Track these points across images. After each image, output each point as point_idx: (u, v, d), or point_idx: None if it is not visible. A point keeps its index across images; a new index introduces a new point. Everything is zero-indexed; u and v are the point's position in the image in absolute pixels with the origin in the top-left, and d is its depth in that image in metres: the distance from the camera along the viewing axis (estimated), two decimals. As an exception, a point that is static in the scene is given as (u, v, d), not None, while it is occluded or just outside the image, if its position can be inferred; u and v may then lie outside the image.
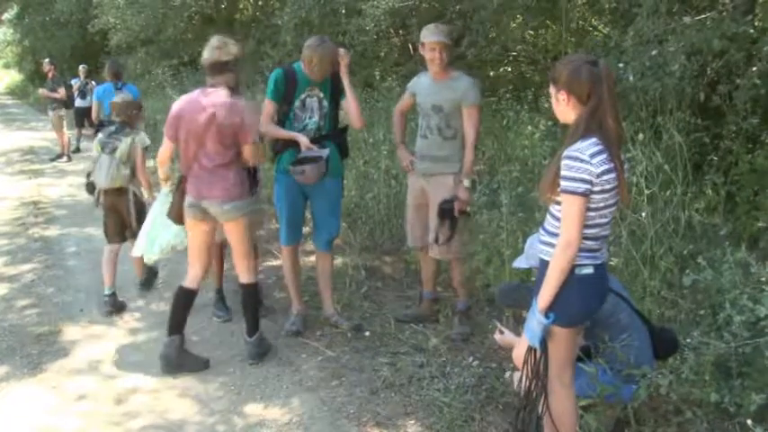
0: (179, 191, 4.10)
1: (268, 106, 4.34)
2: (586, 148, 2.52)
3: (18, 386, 3.98)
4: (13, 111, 23.16)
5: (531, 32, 9.43)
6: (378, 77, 9.50)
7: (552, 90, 2.71)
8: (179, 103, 4.00)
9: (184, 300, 4.14)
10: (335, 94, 4.38)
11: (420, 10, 8.66)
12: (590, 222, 2.59)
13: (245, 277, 4.17)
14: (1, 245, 6.79)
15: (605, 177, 2.53)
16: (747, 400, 2.94)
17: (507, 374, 3.72)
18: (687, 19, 4.72)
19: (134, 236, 4.96)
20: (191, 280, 4.14)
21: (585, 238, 2.60)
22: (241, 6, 15.27)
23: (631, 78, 4.82)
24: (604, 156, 2.53)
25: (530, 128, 6.31)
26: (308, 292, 5.06)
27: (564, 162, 2.54)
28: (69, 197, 9.18)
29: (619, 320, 3.19)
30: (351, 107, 4.37)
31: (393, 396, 3.77)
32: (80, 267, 6.13)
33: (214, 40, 3.95)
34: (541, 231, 2.77)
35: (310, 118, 4.33)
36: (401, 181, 6.62)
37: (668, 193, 4.50)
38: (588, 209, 2.56)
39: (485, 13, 7.10)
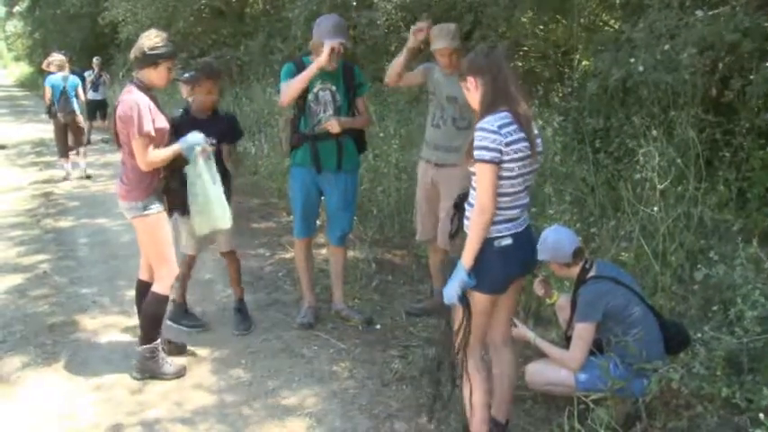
0: None
1: (285, 84, 4.31)
2: (495, 120, 2.73)
3: (33, 375, 4.02)
4: (24, 103, 23.30)
5: (542, 27, 9.42)
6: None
7: (462, 84, 2.92)
8: None
9: (141, 293, 4.07)
10: (349, 87, 4.38)
11: (431, 4, 8.65)
12: (504, 190, 2.77)
13: (153, 285, 3.96)
14: (14, 236, 6.84)
15: (515, 146, 2.73)
16: (759, 395, 2.95)
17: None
18: (699, 13, 4.70)
19: None
20: (142, 271, 4.12)
21: (502, 207, 2.78)
22: (251, 0, 15.26)
23: (641, 69, 4.80)
24: (513, 127, 2.73)
25: (540, 122, 6.30)
26: (319, 285, 5.08)
27: (475, 134, 2.74)
28: (81, 188, 9.24)
29: (631, 315, 3.20)
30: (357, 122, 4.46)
31: (405, 388, 3.79)
32: (92, 258, 6.17)
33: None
34: (467, 207, 2.92)
35: (324, 111, 4.33)
36: (411, 175, 6.63)
37: (680, 188, 4.51)
38: (501, 177, 2.74)
39: (496, 8, 7.09)
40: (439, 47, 4.29)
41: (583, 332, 3.24)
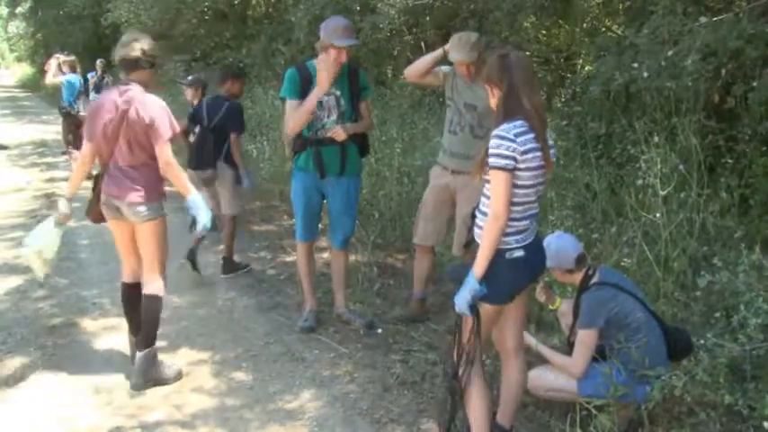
0: (95, 191, 3.97)
1: (290, 105, 4.27)
2: (512, 128, 2.72)
3: (33, 377, 4.01)
4: (25, 104, 23.28)
5: (544, 32, 9.42)
6: (390, 75, 9.51)
7: (485, 88, 2.94)
8: (97, 101, 3.97)
9: (134, 293, 4.01)
10: (353, 92, 4.36)
11: (434, 8, 8.65)
12: (518, 200, 2.76)
13: (148, 288, 3.93)
14: (15, 237, 6.81)
15: (530, 155, 2.72)
16: (762, 402, 2.94)
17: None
18: (703, 19, 4.70)
19: None
20: (128, 275, 4.07)
21: (514, 218, 2.76)
22: (254, 2, 15.27)
23: (646, 74, 4.80)
24: (530, 136, 2.73)
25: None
26: (321, 289, 5.06)
27: (491, 141, 2.73)
28: (82, 189, 9.21)
29: (633, 321, 3.19)
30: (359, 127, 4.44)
31: (406, 393, 3.78)
32: (92, 260, 6.16)
33: (124, 37, 3.90)
34: (477, 215, 2.90)
35: (328, 117, 4.31)
36: (413, 179, 6.63)
37: (682, 195, 4.50)
38: (515, 185, 2.73)
39: (499, 14, 7.09)
40: (456, 59, 4.25)
41: (585, 339, 3.23)
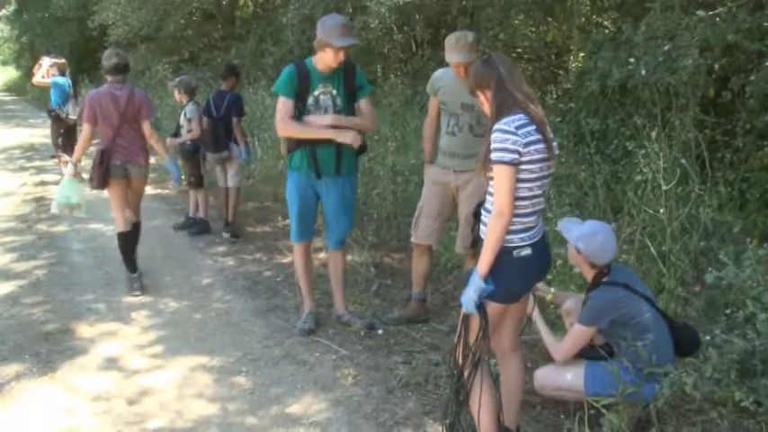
0: (101, 161, 5.18)
1: (284, 103, 4.21)
2: (513, 121, 2.68)
3: (28, 385, 3.93)
4: (12, 107, 23.11)
5: (534, 29, 9.41)
6: (380, 74, 9.47)
7: (477, 100, 2.94)
8: (97, 95, 5.28)
9: (130, 239, 5.47)
10: (349, 90, 4.30)
11: (424, 6, 8.61)
12: (523, 194, 2.71)
13: (137, 218, 5.57)
14: (6, 242, 6.74)
15: (533, 147, 2.67)
16: (771, 398, 2.92)
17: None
18: (701, 13, 4.69)
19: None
20: (123, 225, 5.40)
21: (520, 214, 2.71)
22: (242, 3, 15.19)
23: (644, 72, 4.79)
24: (531, 128, 2.69)
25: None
26: (318, 290, 5.01)
27: (492, 136, 2.69)
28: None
29: (641, 321, 3.13)
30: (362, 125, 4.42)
31: (410, 395, 3.72)
32: (86, 264, 6.08)
33: (111, 51, 5.44)
34: (483, 213, 2.87)
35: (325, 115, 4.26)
36: (407, 177, 6.59)
37: (680, 190, 4.48)
38: (520, 180, 2.68)
39: (492, 11, 7.07)
40: (454, 61, 4.19)
41: (580, 333, 3.18)
